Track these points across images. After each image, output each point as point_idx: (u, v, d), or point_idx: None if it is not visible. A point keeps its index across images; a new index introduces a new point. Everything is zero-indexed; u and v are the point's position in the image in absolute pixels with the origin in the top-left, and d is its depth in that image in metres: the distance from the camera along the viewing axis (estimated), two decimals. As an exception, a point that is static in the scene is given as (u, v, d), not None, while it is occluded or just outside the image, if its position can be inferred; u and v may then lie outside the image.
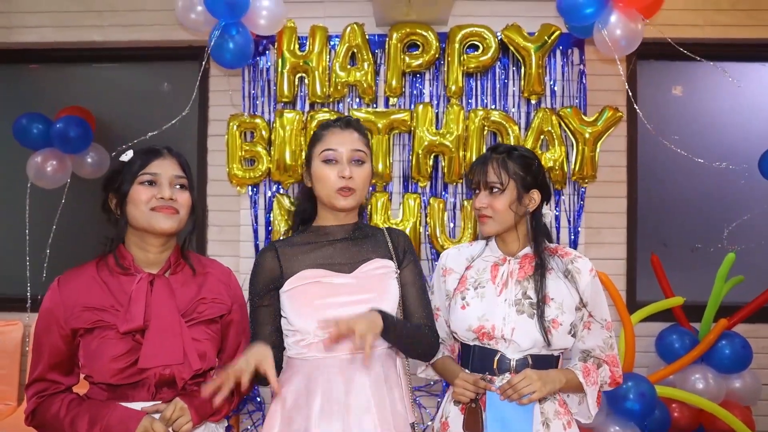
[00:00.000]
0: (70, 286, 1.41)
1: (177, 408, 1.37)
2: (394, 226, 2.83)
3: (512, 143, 2.75)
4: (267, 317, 1.51)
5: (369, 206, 2.84)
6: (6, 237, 3.28)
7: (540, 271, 1.55)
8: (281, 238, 1.66)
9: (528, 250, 1.60)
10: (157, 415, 1.37)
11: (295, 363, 1.50)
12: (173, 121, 2.65)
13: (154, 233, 1.43)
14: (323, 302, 1.46)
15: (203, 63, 2.68)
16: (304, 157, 2.82)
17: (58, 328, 1.39)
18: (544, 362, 1.54)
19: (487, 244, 1.67)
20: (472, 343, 1.57)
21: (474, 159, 2.84)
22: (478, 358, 1.55)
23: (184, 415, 1.36)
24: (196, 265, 1.52)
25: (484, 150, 2.86)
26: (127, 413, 1.35)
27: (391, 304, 1.52)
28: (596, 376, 1.58)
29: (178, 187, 1.45)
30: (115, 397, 1.39)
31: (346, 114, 2.92)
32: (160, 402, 1.39)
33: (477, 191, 1.60)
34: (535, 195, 1.58)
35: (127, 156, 1.46)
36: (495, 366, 1.53)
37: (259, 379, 1.38)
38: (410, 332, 1.51)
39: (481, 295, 1.57)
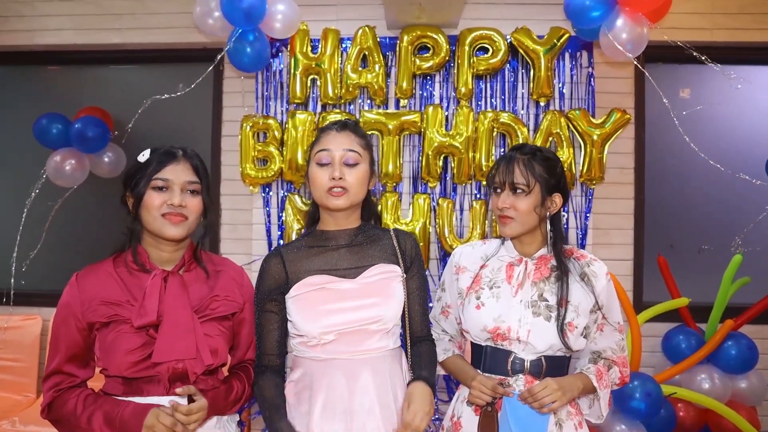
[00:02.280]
0: (87, 281, 1.45)
1: (202, 409, 1.38)
2: (403, 227, 2.90)
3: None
4: (273, 322, 1.53)
5: (380, 206, 2.87)
6: (26, 234, 3.33)
7: (558, 274, 1.54)
8: (284, 243, 1.66)
9: (544, 251, 1.59)
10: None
11: (300, 361, 1.53)
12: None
13: (163, 238, 1.47)
14: (328, 308, 1.47)
15: (220, 66, 2.74)
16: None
17: (75, 321, 1.42)
18: (557, 363, 1.53)
19: (502, 244, 1.64)
20: (484, 344, 1.55)
21: (483, 160, 2.90)
22: (491, 358, 1.54)
23: (201, 412, 1.38)
24: (208, 266, 1.55)
25: (494, 151, 2.92)
26: (138, 407, 1.37)
27: (396, 308, 1.53)
28: (608, 378, 1.59)
29: (189, 192, 1.48)
30: (131, 392, 1.42)
31: (357, 115, 2.97)
32: (179, 397, 1.41)
33: (498, 191, 1.56)
34: (557, 199, 1.56)
35: (144, 156, 1.48)
36: (508, 367, 1.52)
37: None
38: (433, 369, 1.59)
39: (497, 295, 1.55)
